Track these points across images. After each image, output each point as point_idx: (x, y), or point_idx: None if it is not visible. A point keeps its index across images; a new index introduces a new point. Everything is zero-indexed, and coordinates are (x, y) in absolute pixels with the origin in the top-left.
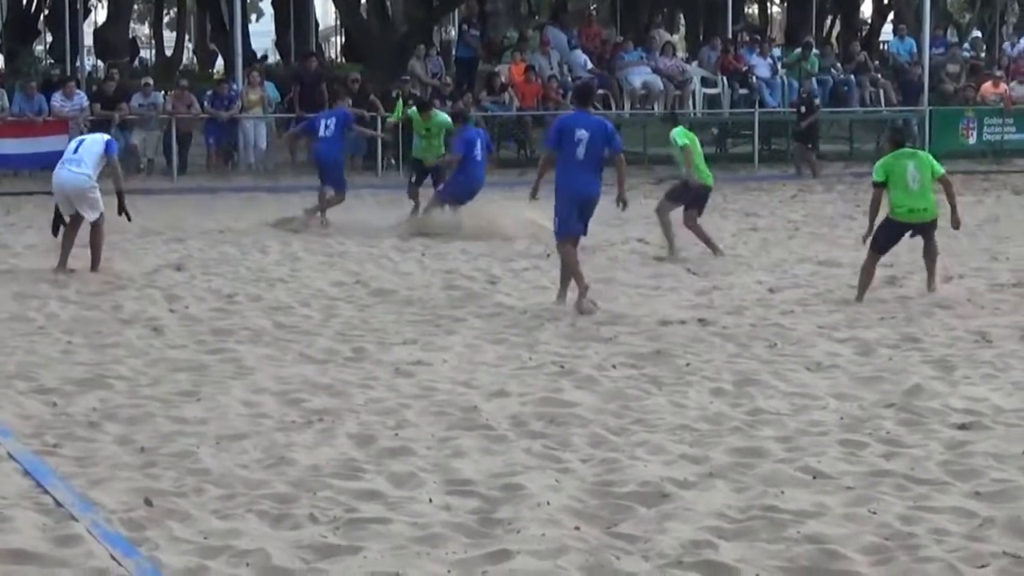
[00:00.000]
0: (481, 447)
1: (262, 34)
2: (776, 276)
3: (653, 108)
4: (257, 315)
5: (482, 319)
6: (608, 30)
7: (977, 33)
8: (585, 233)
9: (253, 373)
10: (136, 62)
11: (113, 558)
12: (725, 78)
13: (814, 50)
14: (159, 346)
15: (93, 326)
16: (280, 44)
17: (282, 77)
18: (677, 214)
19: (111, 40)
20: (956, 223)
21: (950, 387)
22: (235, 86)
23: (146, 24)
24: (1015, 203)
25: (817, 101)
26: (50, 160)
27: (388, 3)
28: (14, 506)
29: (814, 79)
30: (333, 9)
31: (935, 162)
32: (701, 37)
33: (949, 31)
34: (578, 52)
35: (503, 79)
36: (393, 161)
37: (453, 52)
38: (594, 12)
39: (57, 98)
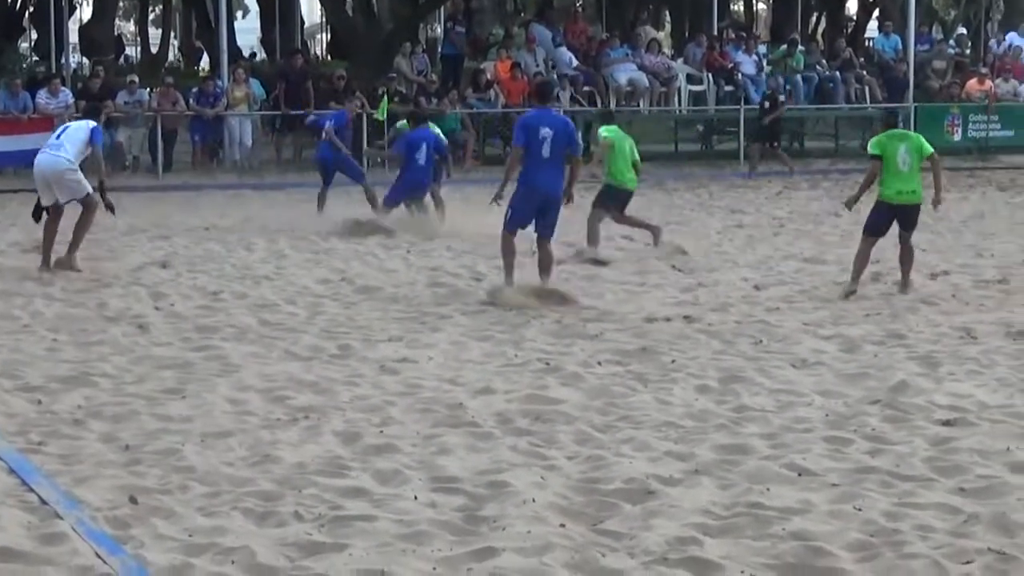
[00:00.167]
0: (466, 444)
1: (248, 31)
2: (761, 273)
3: (639, 105)
4: (242, 312)
5: (467, 316)
6: (594, 27)
7: (962, 30)
8: (552, 235)
9: (238, 371)
10: (121, 59)
11: (98, 556)
12: (711, 75)
13: (799, 47)
14: (144, 344)
15: (78, 324)
16: (266, 41)
17: (267, 74)
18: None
19: (96, 37)
20: (938, 201)
21: (935, 383)
22: (220, 83)
23: (131, 21)
24: (1000, 199)
25: (782, 98)
26: (35, 158)
27: (374, 0)
28: None
29: (780, 76)
30: (319, 6)
31: (925, 142)
32: (687, 34)
33: (934, 28)
34: (563, 49)
35: (489, 76)
36: (379, 160)
37: (439, 49)
38: (580, 9)
39: (42, 95)
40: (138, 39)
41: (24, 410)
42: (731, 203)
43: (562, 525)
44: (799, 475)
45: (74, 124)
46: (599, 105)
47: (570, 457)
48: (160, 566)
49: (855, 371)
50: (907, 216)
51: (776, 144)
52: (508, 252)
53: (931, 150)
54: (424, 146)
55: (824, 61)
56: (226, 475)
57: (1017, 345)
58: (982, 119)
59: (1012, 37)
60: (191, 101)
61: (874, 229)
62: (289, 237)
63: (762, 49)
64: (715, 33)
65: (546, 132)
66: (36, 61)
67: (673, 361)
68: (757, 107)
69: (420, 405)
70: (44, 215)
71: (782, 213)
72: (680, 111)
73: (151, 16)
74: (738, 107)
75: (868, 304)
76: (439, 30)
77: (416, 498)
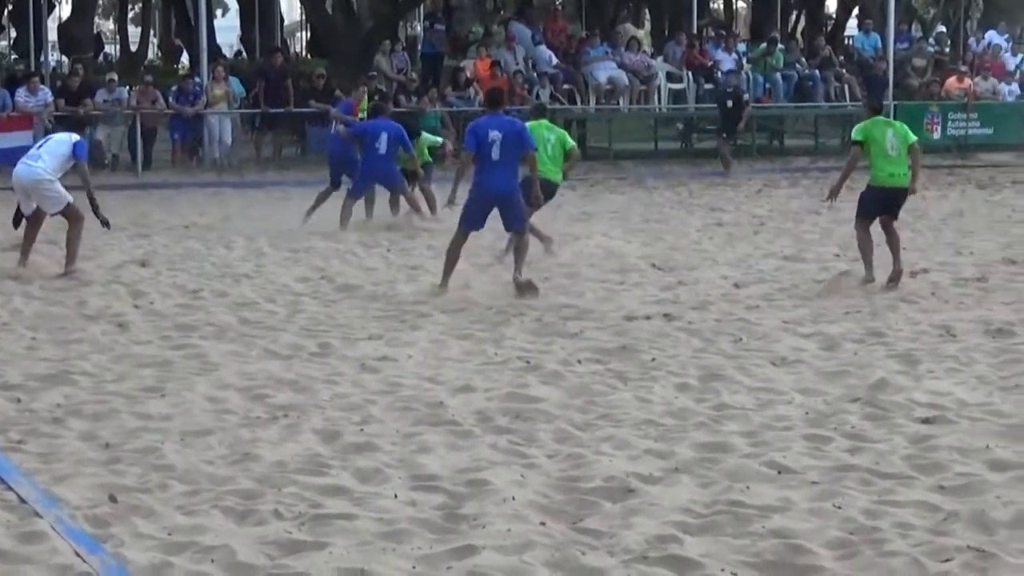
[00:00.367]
0: (447, 443)
1: (227, 29)
2: (741, 271)
3: (618, 103)
4: (222, 311)
5: (447, 314)
6: (573, 25)
7: (942, 28)
8: (521, 227)
9: (218, 369)
10: (101, 58)
11: (77, 555)
12: (690, 73)
13: (779, 45)
14: (124, 342)
15: (57, 322)
16: (245, 39)
17: (247, 72)
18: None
19: (75, 35)
20: (914, 190)
21: (914, 381)
22: (200, 81)
23: (111, 19)
24: (979, 198)
25: (746, 96)
26: (14, 156)
27: None
28: None
29: (744, 73)
30: (298, 5)
31: (908, 131)
32: (666, 32)
33: (913, 26)
34: (543, 47)
35: (468, 74)
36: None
37: (419, 48)
38: (559, 7)
39: (21, 94)
40: (117, 37)
41: (3, 408)
42: (711, 201)
43: (542, 523)
44: (779, 473)
45: (56, 136)
46: (579, 103)
47: (550, 455)
48: (140, 565)
49: (835, 369)
50: (896, 200)
51: (727, 136)
52: (451, 254)
53: (914, 138)
54: (384, 136)
55: (804, 59)
56: (206, 473)
57: (996, 343)
58: (961, 117)
59: (991, 35)
60: (171, 99)
61: (868, 211)
62: (269, 235)
63: (742, 47)
64: (695, 31)
65: (495, 135)
66: (15, 59)
67: (653, 359)
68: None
69: (400, 403)
70: (24, 222)
71: (762, 211)
72: (660, 109)
73: (131, 14)
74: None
75: (848, 302)
76: (419, 28)
77: (396, 496)
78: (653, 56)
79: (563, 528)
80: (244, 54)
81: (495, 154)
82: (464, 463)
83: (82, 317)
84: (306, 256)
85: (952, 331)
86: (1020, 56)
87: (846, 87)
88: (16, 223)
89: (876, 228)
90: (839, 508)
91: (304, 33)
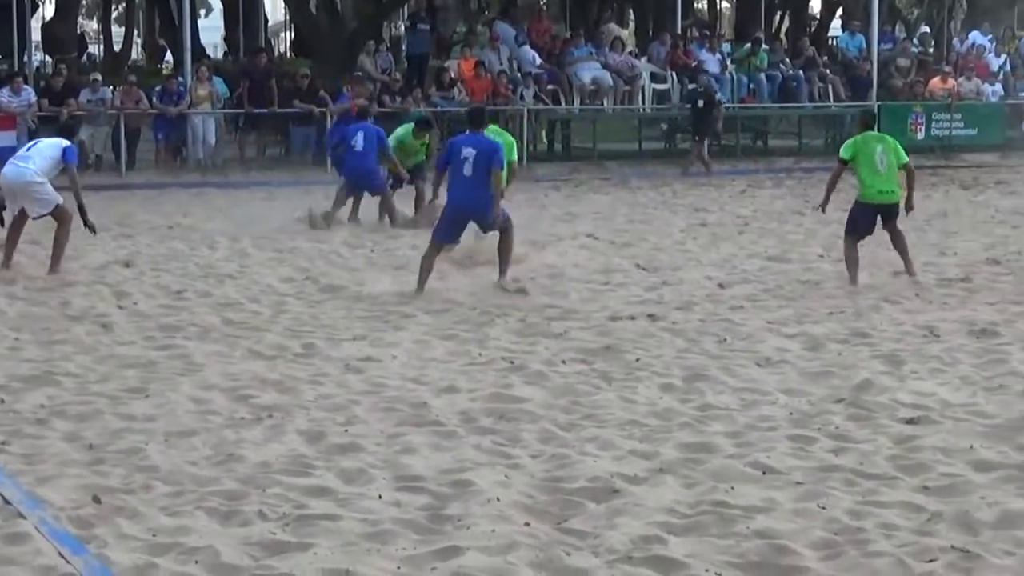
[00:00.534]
0: (431, 443)
1: (211, 29)
2: (725, 271)
3: (602, 104)
4: (206, 311)
5: (431, 315)
6: (558, 25)
7: (925, 29)
8: (495, 228)
9: (202, 369)
10: (84, 58)
11: (61, 556)
12: (674, 73)
13: (763, 46)
14: (108, 343)
15: (41, 322)
16: (229, 40)
17: (231, 73)
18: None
19: (59, 35)
20: (910, 207)
21: (898, 382)
22: (184, 81)
23: (94, 19)
24: (963, 198)
25: (720, 97)
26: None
27: None
28: None
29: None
30: (282, 5)
31: (900, 150)
32: (650, 33)
33: (897, 27)
34: (527, 48)
35: (452, 74)
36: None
37: (403, 48)
38: (544, 7)
39: (4, 93)
40: (101, 37)
41: None
42: (695, 201)
43: (526, 524)
44: (763, 473)
45: (46, 140)
46: (563, 104)
47: (534, 456)
48: (124, 566)
49: (819, 369)
50: (888, 213)
51: (698, 139)
52: (425, 262)
53: (906, 159)
54: (360, 134)
55: (788, 60)
56: (190, 474)
57: (980, 343)
58: (945, 117)
59: (975, 36)
60: (154, 99)
61: (857, 230)
62: (252, 236)
63: (726, 48)
64: (679, 32)
65: (468, 152)
66: None
67: (637, 360)
68: (689, 105)
69: (384, 404)
70: (5, 221)
71: (746, 211)
72: (644, 110)
73: (114, 14)
74: None
75: (832, 302)
76: (404, 28)
77: (380, 497)
78: (637, 56)
79: (547, 528)
80: (230, 54)
81: (467, 170)
82: (448, 464)
83: (66, 318)
84: (290, 256)
85: (936, 331)
86: (1003, 57)
87: (830, 87)
88: (0, 222)
89: (878, 235)
90: (823, 508)
91: (288, 33)
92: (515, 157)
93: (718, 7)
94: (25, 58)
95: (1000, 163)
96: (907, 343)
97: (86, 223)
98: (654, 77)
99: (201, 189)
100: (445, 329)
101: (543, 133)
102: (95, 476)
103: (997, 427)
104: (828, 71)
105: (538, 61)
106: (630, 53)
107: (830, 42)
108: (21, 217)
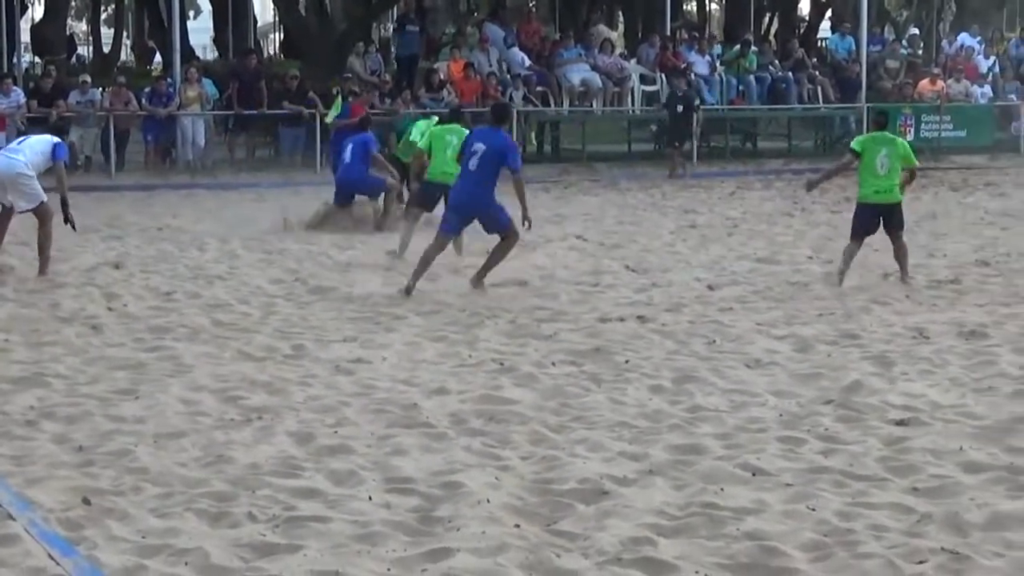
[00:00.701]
0: (421, 445)
1: (200, 31)
2: (715, 273)
3: (592, 106)
4: (195, 313)
5: (422, 316)
6: (547, 27)
7: (914, 30)
8: (504, 230)
9: (191, 371)
10: (74, 59)
11: (51, 557)
12: (664, 75)
13: (752, 47)
14: (97, 344)
15: (30, 324)
16: (218, 41)
17: (220, 74)
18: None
19: (48, 37)
20: (901, 190)
21: (888, 383)
22: (173, 83)
23: (84, 21)
24: (952, 200)
25: (698, 102)
26: None
27: (327, 0)
28: None
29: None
30: (272, 6)
31: (911, 153)
32: (640, 34)
33: (886, 28)
34: (516, 49)
35: (442, 76)
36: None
37: (392, 49)
38: (533, 9)
39: None
40: (90, 38)
41: None
42: (684, 203)
43: (516, 526)
44: (753, 475)
45: (36, 136)
46: (552, 105)
47: (524, 457)
48: (113, 568)
49: (808, 371)
50: (890, 214)
51: (678, 144)
52: (427, 255)
53: (914, 163)
54: (350, 146)
55: (777, 61)
56: (179, 476)
57: (969, 345)
58: (934, 119)
59: (964, 37)
60: (144, 101)
61: (860, 231)
62: (242, 237)
63: (716, 49)
64: (668, 33)
65: (479, 147)
66: None
67: (627, 361)
68: (666, 108)
69: (374, 406)
70: None
71: (735, 213)
72: (633, 111)
73: (103, 15)
74: None
75: (821, 304)
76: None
77: (370, 499)
78: (626, 58)
79: (537, 530)
80: (219, 55)
81: (472, 164)
82: (438, 465)
83: (55, 319)
84: (280, 258)
85: (925, 333)
86: (992, 58)
87: (819, 89)
88: None
89: (879, 238)
90: (813, 510)
91: (277, 34)
92: None
93: (707, 9)
94: (14, 59)
95: (989, 165)
96: (897, 345)
97: (67, 218)
98: (643, 79)
99: (190, 190)
100: (435, 331)
101: (532, 135)
102: (85, 478)
103: (986, 428)
104: (817, 73)
105: (527, 63)
106: (619, 55)
107: (819, 44)
108: (6, 214)
